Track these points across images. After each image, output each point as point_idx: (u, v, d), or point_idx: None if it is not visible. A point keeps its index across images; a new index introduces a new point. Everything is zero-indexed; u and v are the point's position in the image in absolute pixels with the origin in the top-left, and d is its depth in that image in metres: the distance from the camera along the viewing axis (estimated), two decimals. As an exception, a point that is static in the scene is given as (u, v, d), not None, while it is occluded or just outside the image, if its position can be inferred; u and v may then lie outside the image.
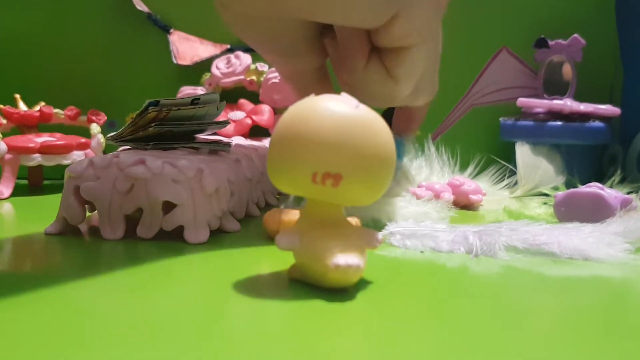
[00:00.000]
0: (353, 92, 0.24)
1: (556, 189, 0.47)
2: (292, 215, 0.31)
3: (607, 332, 0.20)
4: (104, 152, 0.51)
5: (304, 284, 0.24)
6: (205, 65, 0.58)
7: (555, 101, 0.54)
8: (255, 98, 0.56)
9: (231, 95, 0.56)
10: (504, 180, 0.50)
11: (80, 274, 0.26)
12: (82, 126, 0.54)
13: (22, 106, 0.52)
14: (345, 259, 0.21)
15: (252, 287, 0.24)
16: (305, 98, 0.22)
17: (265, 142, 0.49)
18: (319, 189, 0.21)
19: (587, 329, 0.20)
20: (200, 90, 0.56)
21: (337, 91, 0.24)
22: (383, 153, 0.21)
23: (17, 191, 0.48)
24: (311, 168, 0.21)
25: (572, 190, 0.38)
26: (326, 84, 0.37)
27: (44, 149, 0.48)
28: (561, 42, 0.56)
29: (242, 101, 0.56)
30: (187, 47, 0.58)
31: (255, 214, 0.38)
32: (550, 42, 0.56)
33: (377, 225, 0.35)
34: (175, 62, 0.57)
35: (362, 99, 0.23)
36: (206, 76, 0.58)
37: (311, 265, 0.23)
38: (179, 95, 0.56)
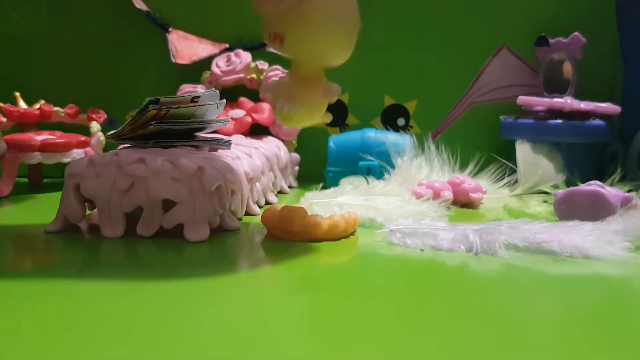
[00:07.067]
0: None
1: (556, 187, 0.47)
2: (291, 212, 0.31)
3: (607, 330, 0.20)
4: (104, 150, 0.51)
5: (304, 282, 0.24)
6: (205, 63, 0.58)
7: (556, 99, 0.54)
8: (255, 96, 0.56)
9: (231, 94, 0.56)
10: (504, 178, 0.50)
11: (81, 272, 0.26)
12: (82, 124, 0.54)
13: (22, 104, 0.52)
14: (282, 103, 0.29)
15: (252, 285, 0.24)
16: None
17: (266, 141, 0.49)
18: (278, 47, 0.27)
19: (587, 326, 0.20)
20: (200, 89, 0.56)
21: None
22: (322, 15, 0.26)
23: (17, 189, 0.48)
24: (267, 29, 0.28)
25: (572, 188, 0.38)
26: None
27: (44, 147, 0.48)
28: (562, 40, 0.56)
29: (242, 99, 0.55)
30: (185, 46, 0.58)
31: (256, 212, 0.38)
32: (551, 40, 0.56)
33: (373, 224, 0.35)
34: (173, 61, 0.57)
35: None
36: (206, 74, 0.58)
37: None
38: (179, 93, 0.56)
